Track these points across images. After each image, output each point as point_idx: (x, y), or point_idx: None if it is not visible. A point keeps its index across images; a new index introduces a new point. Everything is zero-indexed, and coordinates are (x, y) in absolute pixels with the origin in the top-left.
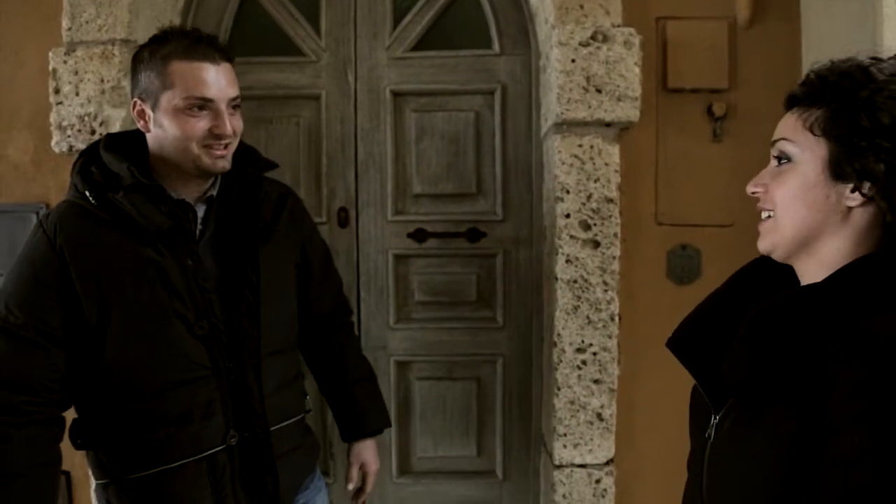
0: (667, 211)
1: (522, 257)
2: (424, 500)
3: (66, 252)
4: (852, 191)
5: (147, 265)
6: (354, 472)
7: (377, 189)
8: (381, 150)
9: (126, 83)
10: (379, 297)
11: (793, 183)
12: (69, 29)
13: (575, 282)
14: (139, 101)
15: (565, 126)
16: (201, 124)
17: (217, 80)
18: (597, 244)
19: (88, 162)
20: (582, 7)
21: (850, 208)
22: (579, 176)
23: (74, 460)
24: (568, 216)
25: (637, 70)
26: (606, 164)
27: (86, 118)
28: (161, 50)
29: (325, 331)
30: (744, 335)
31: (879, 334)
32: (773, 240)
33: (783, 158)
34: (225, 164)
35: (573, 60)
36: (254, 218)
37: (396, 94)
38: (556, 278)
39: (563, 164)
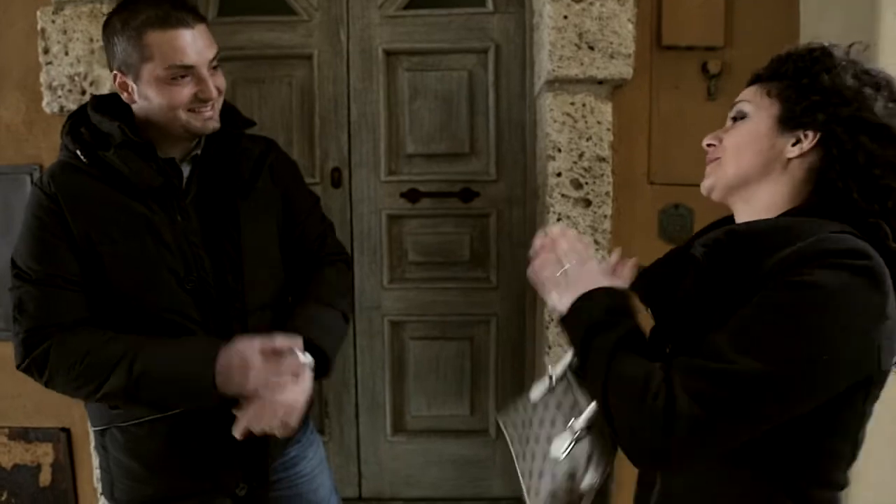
0: (659, 170)
1: (516, 217)
2: (418, 459)
3: (62, 201)
4: (793, 144)
5: (138, 219)
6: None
7: (370, 149)
8: (374, 109)
9: None
10: (372, 257)
11: (744, 132)
12: None
13: None
14: (119, 74)
15: (557, 84)
16: (186, 91)
17: (194, 44)
18: (588, 203)
19: (77, 123)
20: None
21: (789, 160)
22: (571, 134)
23: (74, 416)
24: (559, 175)
25: (630, 26)
26: (599, 123)
27: (76, 78)
28: (133, 20)
29: (310, 266)
30: (698, 260)
31: (808, 243)
32: (714, 179)
33: (739, 117)
34: (215, 123)
35: (565, 17)
36: (234, 175)
37: (389, 54)
38: None
39: (555, 122)
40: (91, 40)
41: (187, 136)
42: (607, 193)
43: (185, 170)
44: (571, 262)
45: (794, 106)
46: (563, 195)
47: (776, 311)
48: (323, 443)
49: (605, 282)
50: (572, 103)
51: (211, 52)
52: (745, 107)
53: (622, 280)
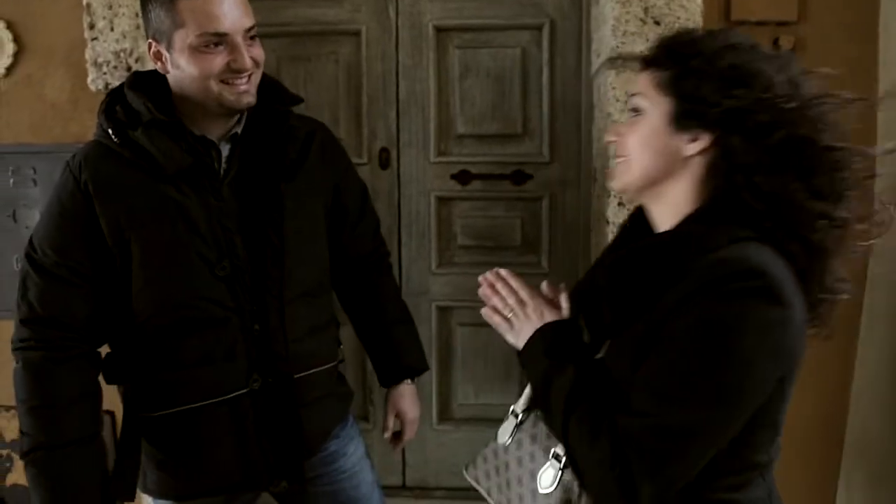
0: None
1: (569, 201)
2: (464, 447)
3: (91, 189)
4: (689, 141)
5: (168, 203)
6: (391, 421)
7: (419, 129)
8: (424, 88)
9: None
10: (420, 240)
11: (641, 130)
12: None
13: None
14: (154, 43)
15: (620, 61)
16: (218, 60)
17: (230, 11)
18: None
19: (114, 101)
20: None
21: (687, 157)
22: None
23: (118, 401)
24: None
25: (699, 0)
26: None
27: (121, 54)
28: None
29: (361, 273)
30: (604, 283)
31: (705, 266)
32: (623, 180)
33: (636, 111)
34: (250, 98)
35: None
36: (279, 155)
37: (439, 30)
38: (608, 221)
39: (618, 101)
40: (136, 15)
41: (222, 112)
42: None
43: (225, 149)
44: (513, 305)
45: (683, 104)
46: None
47: (686, 356)
48: (367, 431)
49: (548, 317)
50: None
51: (247, 22)
52: (640, 101)
53: (563, 308)
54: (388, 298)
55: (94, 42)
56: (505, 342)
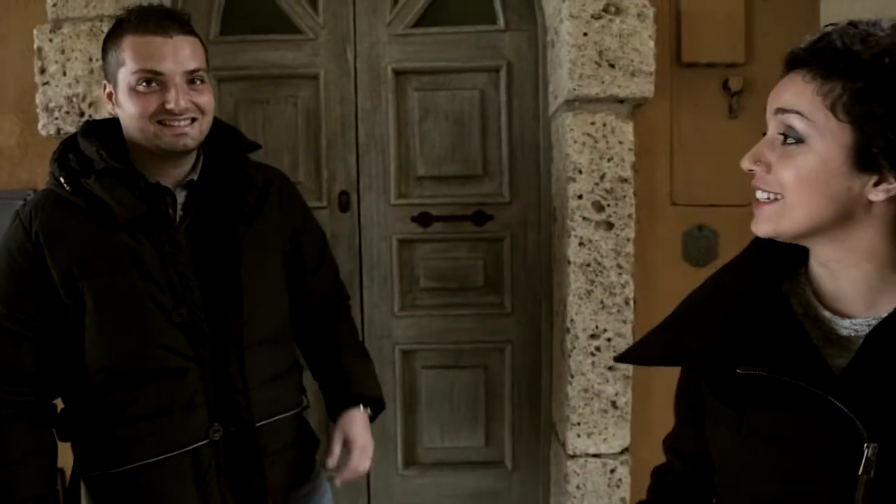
0: (682, 190)
1: (530, 240)
2: (431, 493)
3: (42, 239)
4: (876, 184)
5: (122, 251)
6: (337, 448)
7: (379, 171)
8: (383, 130)
9: None
10: (383, 284)
11: (808, 168)
12: (54, 5)
13: (588, 265)
14: (107, 84)
15: (577, 103)
16: (153, 100)
17: (170, 52)
18: (611, 226)
19: (67, 150)
20: None
21: (872, 202)
22: (592, 155)
23: (68, 458)
24: (580, 197)
25: (651, 43)
26: (620, 143)
27: (74, 99)
28: (119, 28)
29: (320, 318)
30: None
31: None
32: (780, 226)
33: (792, 137)
34: (187, 140)
35: (585, 34)
36: (237, 202)
37: (398, 73)
38: (569, 262)
39: (576, 142)
40: (90, 59)
41: (162, 154)
42: (630, 216)
43: (181, 196)
44: None
45: (873, 140)
46: (584, 218)
47: None
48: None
49: None
50: (593, 123)
51: (191, 65)
52: (801, 126)
53: None
54: (345, 337)
55: (46, 87)
56: (470, 384)
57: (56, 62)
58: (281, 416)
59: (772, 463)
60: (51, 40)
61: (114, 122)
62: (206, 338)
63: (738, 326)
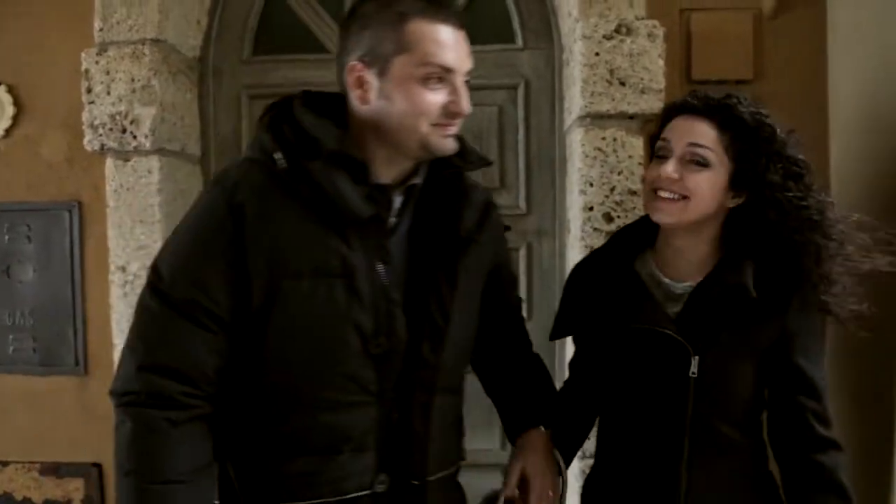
0: None
1: (545, 249)
2: None
3: (246, 218)
4: (733, 196)
5: (332, 257)
6: (514, 478)
7: None
8: None
9: (156, 82)
10: None
11: (710, 183)
12: (101, 30)
13: None
14: (361, 66)
15: (589, 119)
16: (438, 98)
17: (458, 47)
18: None
19: (279, 118)
20: (605, 0)
21: (727, 207)
22: (602, 169)
23: (106, 452)
24: (591, 209)
25: (661, 62)
26: (630, 157)
27: (117, 117)
28: (396, 4)
29: (519, 355)
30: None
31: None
32: (682, 218)
33: (702, 162)
34: (454, 145)
35: (597, 54)
36: (454, 221)
37: None
38: None
39: (587, 157)
40: (133, 80)
41: (417, 156)
42: None
43: (397, 200)
44: None
45: (744, 174)
46: (594, 229)
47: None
48: None
49: None
50: (603, 138)
51: (470, 64)
52: (709, 155)
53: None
54: (535, 367)
55: (91, 105)
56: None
57: (101, 83)
58: (447, 472)
59: (636, 377)
60: (97, 62)
61: (330, 98)
62: (397, 375)
63: (616, 298)
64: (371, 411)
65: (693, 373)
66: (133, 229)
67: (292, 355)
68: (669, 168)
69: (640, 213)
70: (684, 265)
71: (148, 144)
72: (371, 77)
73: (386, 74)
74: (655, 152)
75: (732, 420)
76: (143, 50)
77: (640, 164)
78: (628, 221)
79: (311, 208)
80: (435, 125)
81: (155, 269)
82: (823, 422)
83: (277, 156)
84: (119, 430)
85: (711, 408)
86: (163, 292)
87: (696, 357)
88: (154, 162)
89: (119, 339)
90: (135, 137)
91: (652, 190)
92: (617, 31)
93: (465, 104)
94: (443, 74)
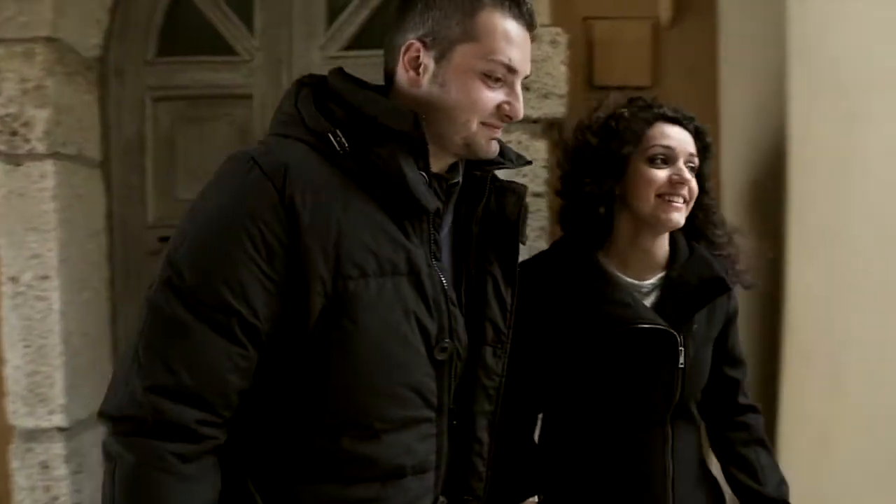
0: None
1: None
2: None
3: (299, 209)
4: None
5: (398, 252)
6: None
7: None
8: None
9: (50, 82)
10: None
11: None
12: None
13: None
14: (419, 46)
15: None
16: (495, 97)
17: (525, 49)
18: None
19: (320, 96)
20: None
21: None
22: (507, 172)
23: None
24: None
25: (563, 68)
26: (534, 160)
27: (7, 119)
28: None
29: None
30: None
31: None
32: (683, 218)
33: (694, 167)
34: (497, 150)
35: None
36: (511, 220)
37: None
38: None
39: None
40: (23, 80)
41: (459, 154)
42: (543, 228)
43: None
44: None
45: (700, 178)
46: None
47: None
48: None
49: None
50: (508, 142)
51: (529, 69)
52: (696, 162)
53: None
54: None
55: None
56: None
57: None
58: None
59: (628, 374)
60: None
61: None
62: (455, 384)
63: (592, 299)
64: (433, 428)
65: (682, 363)
66: (25, 237)
67: (359, 368)
68: (688, 176)
69: (543, 214)
70: (648, 264)
71: (41, 148)
72: (428, 60)
73: (445, 60)
74: (653, 158)
75: (696, 401)
76: (34, 49)
77: (543, 166)
78: (533, 224)
79: (373, 197)
80: (483, 124)
81: (172, 265)
82: (745, 390)
83: (335, 137)
84: (115, 464)
85: (690, 393)
86: (185, 294)
87: (682, 348)
88: (48, 166)
89: (12, 352)
90: (27, 141)
91: (659, 195)
92: None
93: (521, 110)
94: (504, 74)
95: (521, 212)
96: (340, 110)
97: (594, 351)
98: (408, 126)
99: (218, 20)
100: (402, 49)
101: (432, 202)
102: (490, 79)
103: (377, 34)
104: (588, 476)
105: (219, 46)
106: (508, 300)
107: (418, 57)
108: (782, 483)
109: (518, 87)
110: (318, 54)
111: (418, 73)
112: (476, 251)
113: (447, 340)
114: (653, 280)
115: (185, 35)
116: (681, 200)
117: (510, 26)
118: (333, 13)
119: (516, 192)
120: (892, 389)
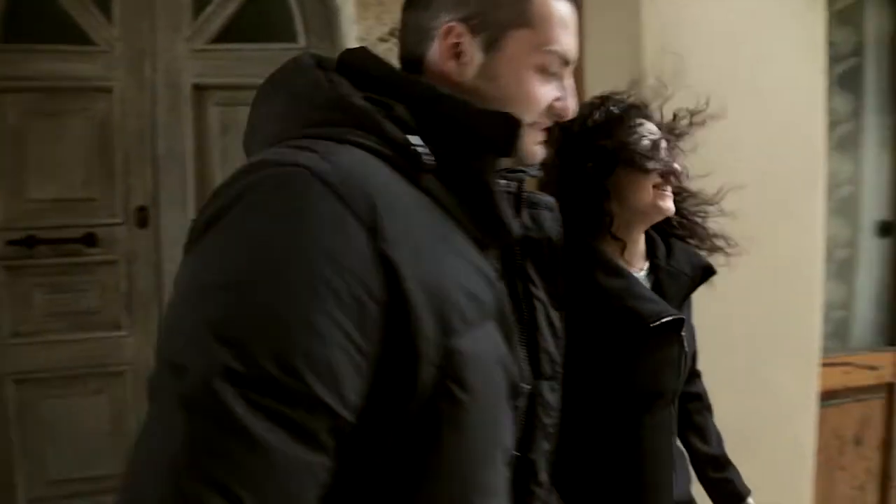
0: None
1: None
2: None
3: (397, 253)
4: None
5: (488, 289)
6: None
7: (178, 186)
8: (183, 145)
9: None
10: None
11: None
12: None
13: None
14: (463, 31)
15: None
16: (548, 92)
17: (576, 36)
18: None
19: (357, 86)
20: (382, 3)
21: None
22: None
23: None
24: None
25: None
26: None
27: None
28: None
29: None
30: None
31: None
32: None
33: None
34: (543, 152)
35: None
36: (541, 238)
37: (198, 88)
38: None
39: None
40: None
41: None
42: None
43: None
44: None
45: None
46: None
47: None
48: None
49: None
50: None
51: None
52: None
53: None
54: None
55: None
56: None
57: None
58: None
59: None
60: None
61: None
62: (519, 426)
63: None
64: (507, 482)
65: (686, 347)
66: None
67: (470, 445)
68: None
69: None
70: (637, 254)
71: None
72: (473, 48)
73: (496, 49)
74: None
75: None
76: None
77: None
78: None
79: (457, 222)
80: (530, 125)
81: (224, 342)
82: (695, 359)
83: (420, 147)
84: None
85: (684, 377)
86: (249, 385)
87: (684, 333)
88: None
89: None
90: None
91: (654, 186)
92: (391, 34)
93: (573, 107)
94: (559, 66)
95: (561, 230)
96: (404, 110)
97: (620, 345)
98: (503, 132)
99: (70, 6)
100: (440, 33)
101: (516, 227)
102: (545, 72)
103: (246, 28)
104: (601, 466)
105: (73, 34)
106: (559, 326)
107: (459, 43)
108: (720, 439)
109: (570, 81)
110: (184, 47)
111: (461, 64)
112: (520, 273)
113: (524, 384)
114: (639, 269)
115: (35, 22)
116: (670, 189)
117: (564, 10)
118: (200, 4)
119: (549, 208)
120: None
